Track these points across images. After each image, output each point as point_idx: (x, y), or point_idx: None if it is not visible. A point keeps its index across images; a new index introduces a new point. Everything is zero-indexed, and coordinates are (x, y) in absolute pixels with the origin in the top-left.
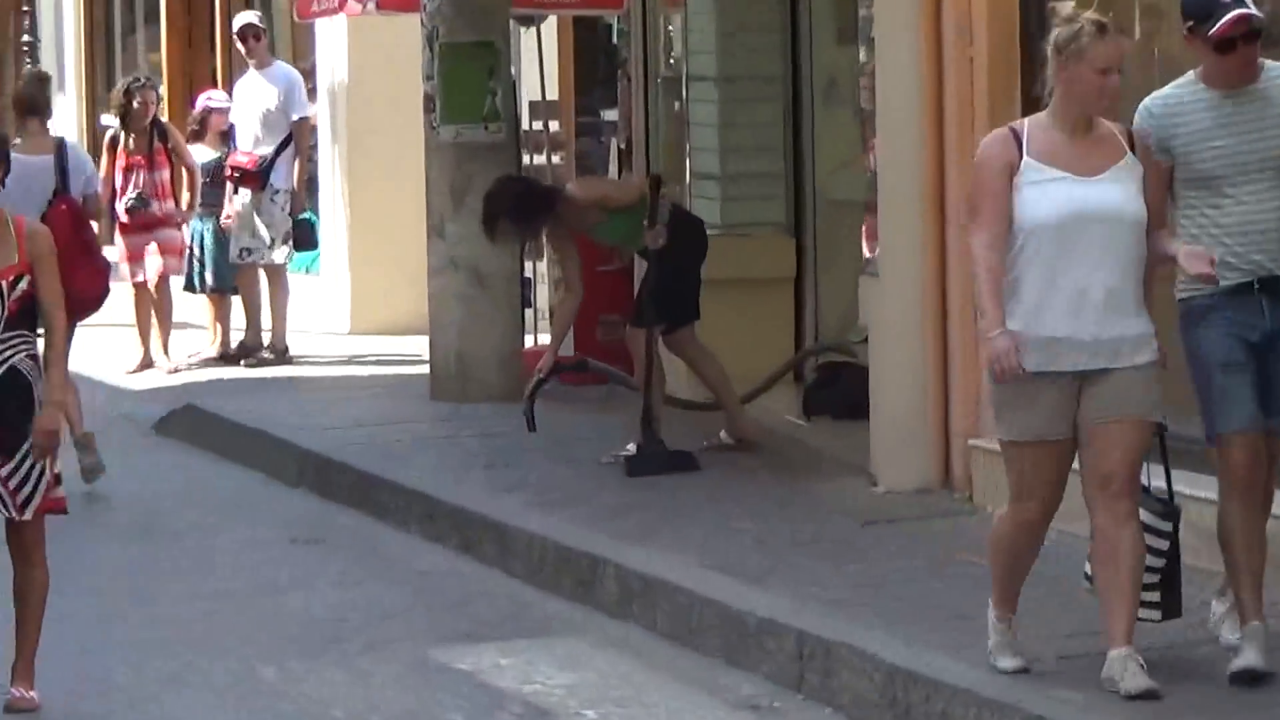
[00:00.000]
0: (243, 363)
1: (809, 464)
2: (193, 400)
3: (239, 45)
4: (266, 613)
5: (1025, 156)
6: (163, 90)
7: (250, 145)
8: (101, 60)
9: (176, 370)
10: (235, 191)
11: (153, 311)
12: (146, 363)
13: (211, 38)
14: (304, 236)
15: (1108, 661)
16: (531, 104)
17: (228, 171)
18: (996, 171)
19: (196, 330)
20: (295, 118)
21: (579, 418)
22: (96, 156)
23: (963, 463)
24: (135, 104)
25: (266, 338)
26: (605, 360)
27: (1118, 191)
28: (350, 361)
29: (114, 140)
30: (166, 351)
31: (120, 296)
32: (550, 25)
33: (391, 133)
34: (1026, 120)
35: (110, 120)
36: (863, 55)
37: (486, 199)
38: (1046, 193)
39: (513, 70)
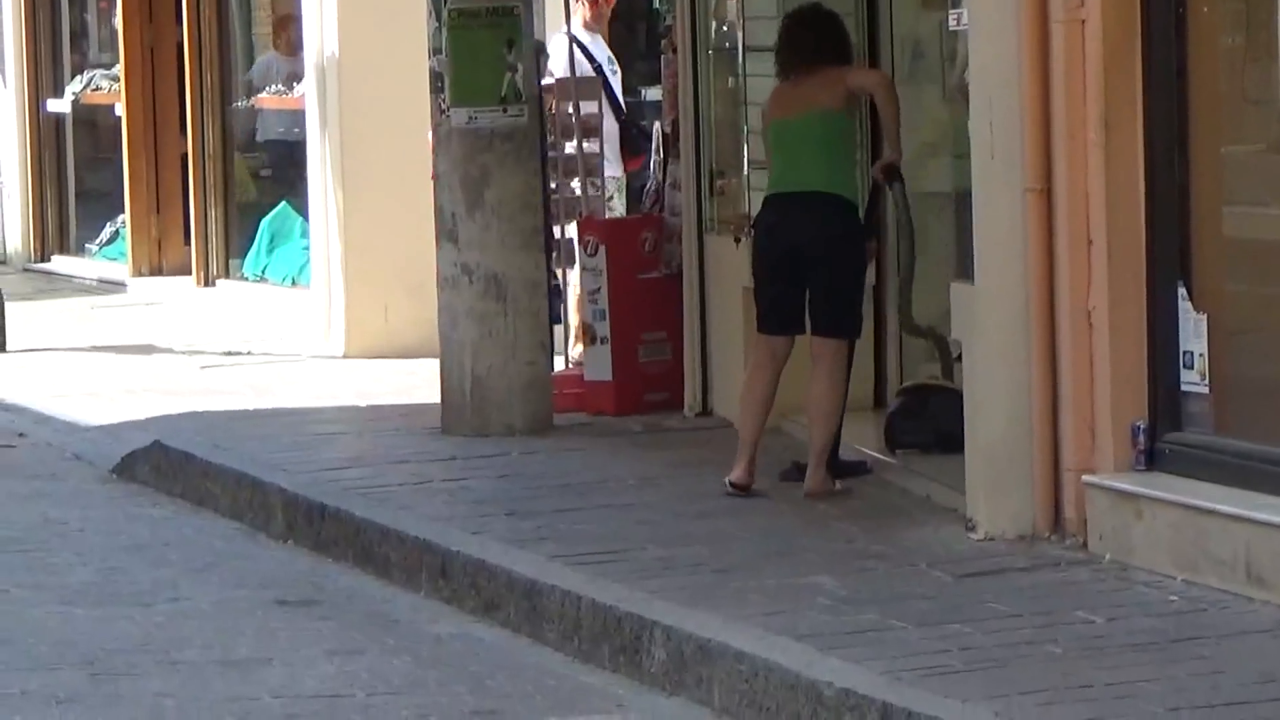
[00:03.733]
0: None
1: (894, 506)
2: (159, 437)
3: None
4: (250, 688)
5: None
6: (117, 70)
7: None
8: (46, 34)
9: None
10: None
11: None
12: None
13: (176, 4)
14: None
15: None
16: (558, 81)
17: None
18: None
19: None
20: None
21: (617, 456)
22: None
23: (1075, 503)
24: None
25: None
26: (643, 385)
27: None
28: (346, 389)
29: None
30: None
31: None
32: None
33: (392, 117)
34: None
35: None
36: (952, 19)
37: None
38: None
39: (536, 41)
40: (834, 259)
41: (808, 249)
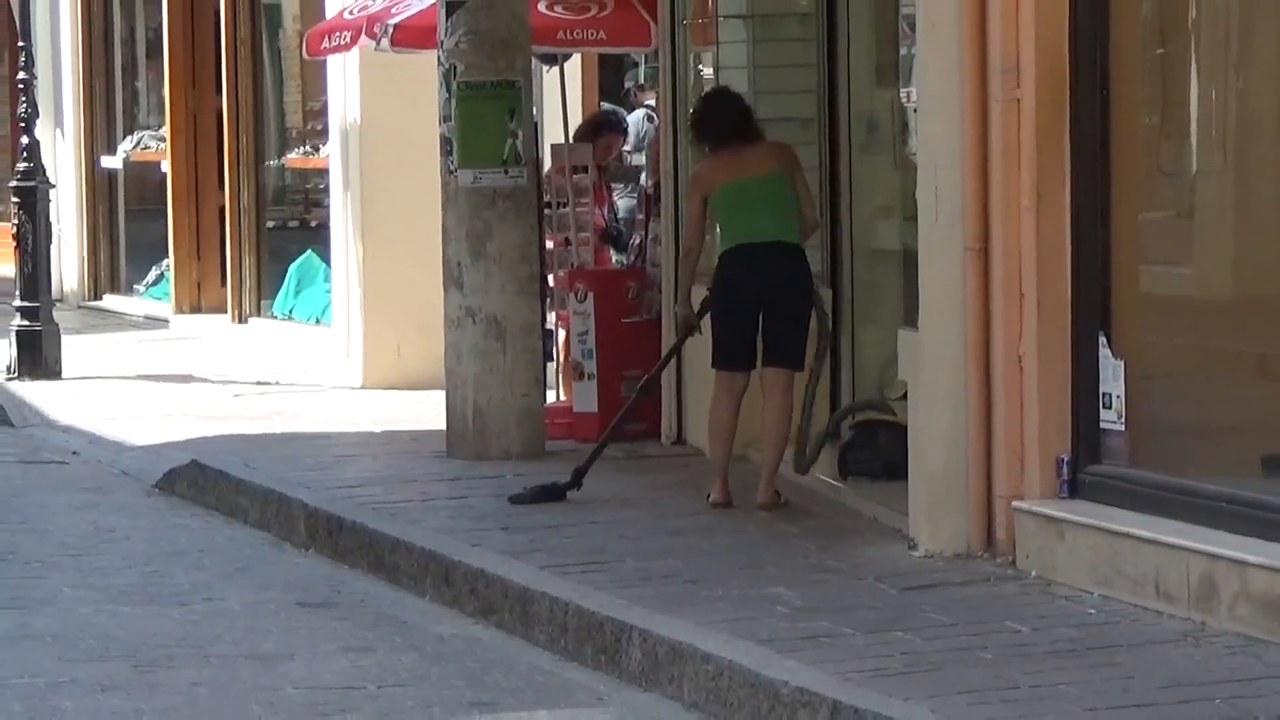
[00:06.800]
0: None
1: (845, 527)
2: (197, 457)
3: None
4: (274, 680)
5: None
6: (164, 132)
7: None
8: (101, 99)
9: None
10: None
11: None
12: None
13: (216, 76)
14: None
15: None
16: (554, 147)
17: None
18: None
19: None
20: None
21: (601, 479)
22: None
23: (1005, 526)
24: None
25: None
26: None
27: None
28: (362, 417)
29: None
30: None
31: None
32: (574, 64)
33: (406, 176)
34: None
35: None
36: (903, 96)
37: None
38: None
39: (534, 111)
40: (794, 299)
41: (771, 291)
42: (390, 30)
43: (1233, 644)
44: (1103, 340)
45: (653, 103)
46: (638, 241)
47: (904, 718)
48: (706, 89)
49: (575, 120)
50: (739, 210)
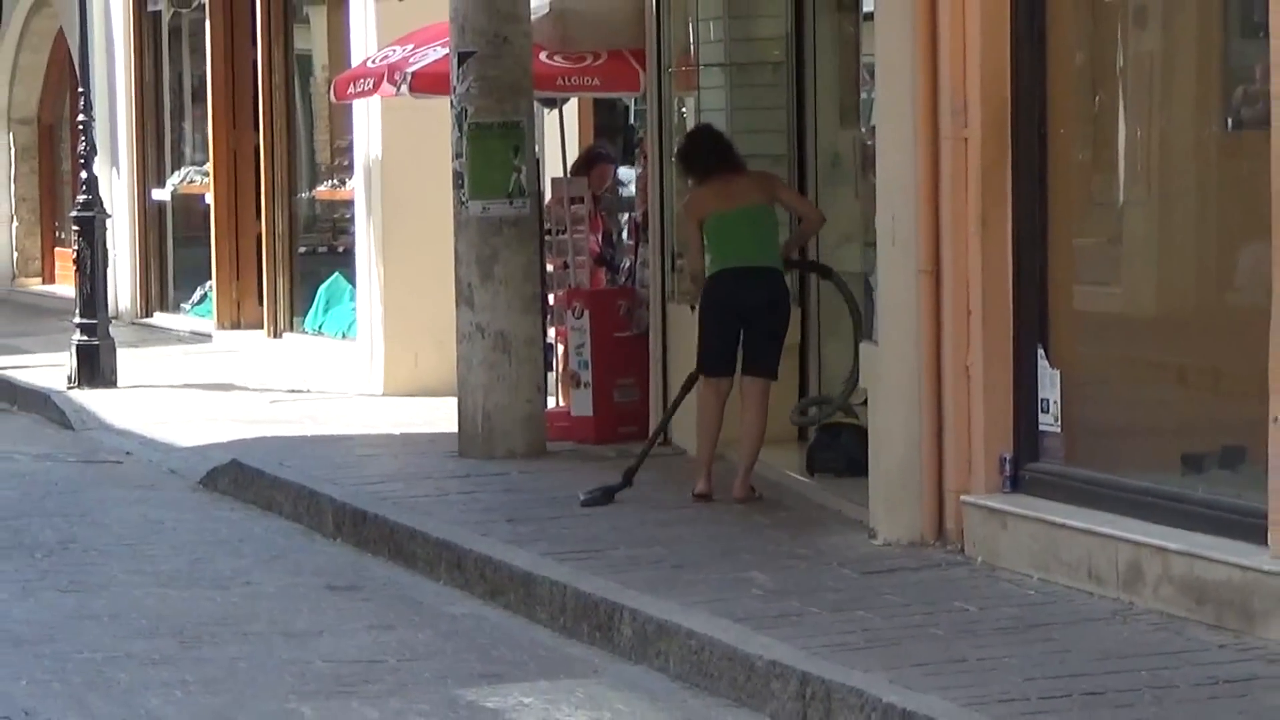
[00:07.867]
0: None
1: (812, 518)
2: (237, 456)
3: None
4: (305, 654)
5: None
6: (208, 167)
7: None
8: (152, 138)
9: None
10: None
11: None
12: None
13: (255, 117)
14: None
15: None
16: (554, 180)
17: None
18: None
19: None
20: None
21: (597, 476)
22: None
23: (955, 517)
24: None
25: None
26: (618, 420)
27: None
28: (384, 421)
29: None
30: None
31: None
32: (571, 106)
33: (423, 207)
34: None
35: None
36: (864, 135)
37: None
38: None
39: (536, 148)
40: (775, 317)
41: (755, 310)
42: (409, 77)
43: (1156, 621)
44: (1041, 352)
45: (625, 169)
46: (628, 264)
47: (864, 687)
48: (689, 128)
49: (573, 156)
50: (726, 237)
